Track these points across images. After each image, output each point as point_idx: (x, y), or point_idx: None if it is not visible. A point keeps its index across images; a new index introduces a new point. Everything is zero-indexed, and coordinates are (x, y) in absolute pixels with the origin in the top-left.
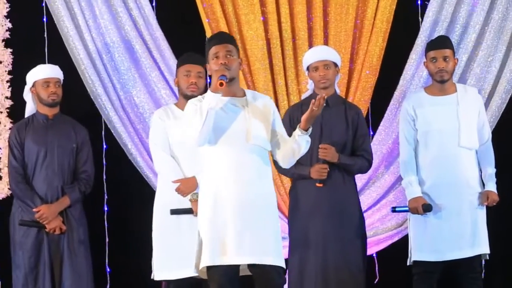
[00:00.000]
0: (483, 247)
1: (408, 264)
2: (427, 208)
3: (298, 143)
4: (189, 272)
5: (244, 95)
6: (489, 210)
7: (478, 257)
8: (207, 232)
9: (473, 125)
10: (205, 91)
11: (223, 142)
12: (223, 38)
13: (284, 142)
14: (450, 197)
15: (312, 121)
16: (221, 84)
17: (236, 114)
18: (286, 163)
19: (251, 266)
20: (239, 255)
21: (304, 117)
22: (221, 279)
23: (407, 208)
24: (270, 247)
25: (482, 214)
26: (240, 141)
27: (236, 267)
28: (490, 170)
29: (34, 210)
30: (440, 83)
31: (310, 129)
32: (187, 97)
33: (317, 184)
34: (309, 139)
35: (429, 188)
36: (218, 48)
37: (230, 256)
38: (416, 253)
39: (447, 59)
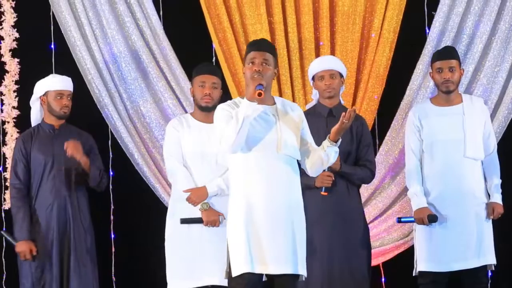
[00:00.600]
0: (489, 258)
1: (413, 274)
2: (432, 218)
3: (327, 154)
4: (201, 281)
5: (274, 103)
6: (496, 220)
7: (484, 267)
8: (240, 239)
9: (478, 136)
10: (219, 101)
11: (255, 151)
12: (263, 45)
13: (313, 151)
14: (456, 207)
15: (341, 133)
16: (259, 94)
17: (267, 123)
18: (313, 172)
19: (276, 275)
20: (274, 264)
21: (334, 129)
22: (246, 287)
23: (412, 219)
24: (300, 256)
25: (488, 224)
26: (271, 151)
27: (260, 276)
28: (496, 181)
29: (15, 244)
30: (446, 93)
31: (340, 141)
32: (202, 108)
33: (322, 193)
34: (338, 150)
35: (435, 199)
36: (255, 55)
37: (267, 265)
38: (422, 264)
39: (453, 70)
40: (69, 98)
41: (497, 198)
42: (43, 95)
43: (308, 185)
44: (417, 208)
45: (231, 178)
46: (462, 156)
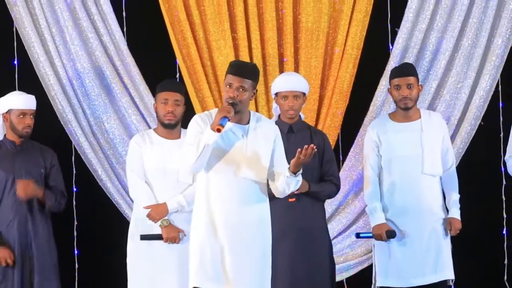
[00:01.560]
0: (447, 273)
1: None
2: (390, 234)
3: (288, 183)
4: None
5: (249, 122)
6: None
7: (444, 282)
8: (198, 254)
9: (436, 152)
10: (183, 118)
11: (216, 170)
12: (242, 71)
13: (278, 175)
14: (414, 223)
15: (300, 167)
16: (218, 130)
17: (233, 143)
18: (277, 195)
19: None
20: (227, 282)
21: (292, 162)
22: None
23: (371, 234)
24: (257, 276)
25: (446, 240)
26: (231, 173)
27: None
28: (454, 196)
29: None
30: (404, 110)
31: (300, 171)
32: (164, 125)
33: (290, 199)
34: (300, 179)
35: (393, 215)
36: (233, 80)
37: (221, 282)
38: (381, 279)
39: (411, 87)
40: (31, 117)
41: (455, 213)
42: (6, 112)
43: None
44: (376, 224)
45: (197, 194)
46: (420, 172)
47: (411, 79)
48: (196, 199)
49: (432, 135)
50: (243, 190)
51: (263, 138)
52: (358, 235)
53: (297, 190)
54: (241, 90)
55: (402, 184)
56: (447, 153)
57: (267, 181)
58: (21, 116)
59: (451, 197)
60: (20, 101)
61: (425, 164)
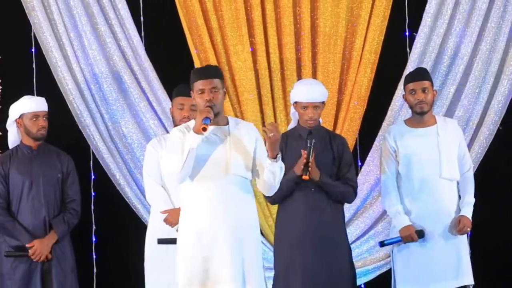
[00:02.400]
0: (467, 278)
1: None
2: (420, 234)
3: (272, 171)
4: None
5: (227, 123)
6: (474, 240)
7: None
8: (188, 268)
9: (453, 156)
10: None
11: (202, 176)
12: (209, 73)
13: (262, 170)
14: (433, 228)
15: (276, 148)
16: (204, 129)
17: (216, 145)
18: (267, 191)
19: None
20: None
21: (267, 147)
22: None
23: (398, 238)
24: (252, 277)
25: (465, 245)
26: (220, 173)
27: None
28: (468, 199)
29: (27, 246)
30: (419, 115)
31: (279, 155)
32: None
33: (304, 177)
34: (282, 165)
35: (411, 220)
36: (203, 84)
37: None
38: (401, 285)
39: (426, 91)
40: (44, 119)
41: (467, 212)
42: (19, 117)
43: (290, 179)
44: (403, 227)
45: (181, 204)
46: (438, 176)
47: (426, 83)
48: (183, 211)
49: (449, 140)
50: (233, 188)
51: (245, 136)
52: (382, 244)
53: (308, 174)
54: (214, 91)
55: (421, 189)
56: (464, 158)
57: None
58: (34, 119)
59: (464, 199)
60: (31, 104)
61: (443, 169)
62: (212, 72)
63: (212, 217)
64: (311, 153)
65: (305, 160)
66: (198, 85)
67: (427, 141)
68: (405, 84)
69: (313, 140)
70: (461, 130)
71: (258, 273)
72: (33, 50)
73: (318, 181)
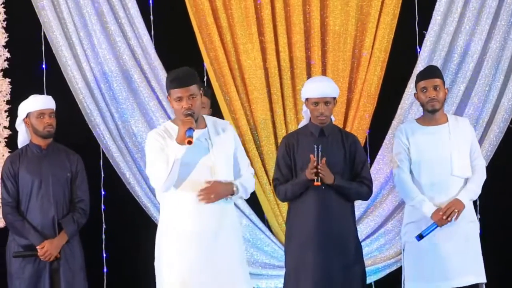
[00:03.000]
0: (478, 276)
1: None
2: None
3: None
4: None
5: (206, 125)
6: (487, 238)
7: (474, 286)
8: (171, 272)
9: (465, 154)
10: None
11: (188, 184)
12: (186, 81)
13: (239, 173)
14: (444, 226)
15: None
16: (189, 142)
17: (199, 151)
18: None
19: None
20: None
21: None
22: None
23: (434, 225)
24: (238, 276)
25: (476, 243)
26: (207, 176)
27: None
28: (469, 186)
29: (37, 247)
30: (431, 112)
31: (235, 191)
32: None
33: (315, 183)
34: (242, 192)
35: (424, 217)
36: (181, 92)
37: None
38: (410, 283)
39: (438, 89)
40: (51, 116)
41: (461, 195)
42: (26, 117)
43: (301, 182)
44: (433, 212)
45: (163, 211)
46: (450, 174)
47: (437, 81)
48: (164, 218)
49: (460, 138)
50: None
51: (224, 136)
52: (420, 237)
53: (323, 180)
54: (191, 98)
55: (432, 187)
56: (475, 154)
57: None
58: (40, 117)
59: (466, 186)
60: (37, 102)
61: (454, 166)
62: (188, 79)
63: (197, 222)
64: (319, 159)
65: (315, 165)
66: (176, 93)
67: (438, 138)
68: (416, 82)
69: (320, 145)
70: (472, 128)
71: (243, 272)
72: (43, 49)
73: (333, 185)
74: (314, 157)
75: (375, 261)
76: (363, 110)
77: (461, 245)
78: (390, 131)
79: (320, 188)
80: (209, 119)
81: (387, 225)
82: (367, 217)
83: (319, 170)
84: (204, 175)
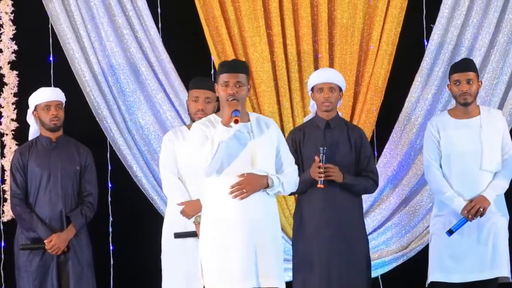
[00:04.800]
0: (503, 270)
1: (426, 285)
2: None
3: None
4: None
5: (249, 119)
6: None
7: (496, 279)
8: (210, 260)
9: (496, 148)
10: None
11: (229, 171)
12: (235, 67)
13: (281, 168)
14: (474, 219)
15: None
16: (236, 121)
17: (242, 141)
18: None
19: None
20: (241, 280)
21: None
22: None
23: (464, 220)
24: (272, 270)
25: (504, 237)
26: (246, 168)
27: None
28: (496, 182)
29: (45, 241)
30: (463, 105)
31: (270, 184)
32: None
33: (318, 185)
34: (276, 189)
35: (452, 211)
36: (229, 77)
37: (233, 282)
38: (435, 274)
39: (471, 82)
40: (58, 108)
41: (487, 192)
42: (34, 110)
43: (306, 180)
44: (463, 207)
45: (205, 199)
46: (479, 168)
47: (471, 75)
48: (206, 204)
49: (492, 132)
50: None
51: (267, 132)
52: (451, 232)
53: (333, 177)
54: (238, 86)
55: (461, 180)
56: (506, 147)
57: None
58: (46, 109)
59: (494, 180)
60: (43, 94)
61: (484, 161)
62: (238, 66)
63: (236, 211)
64: (323, 161)
65: (319, 167)
66: (224, 77)
67: (469, 132)
68: (450, 74)
69: (325, 148)
70: (505, 120)
71: (278, 267)
72: (50, 42)
73: (342, 183)
74: (319, 158)
75: (382, 254)
76: (370, 104)
77: (488, 238)
78: (397, 125)
79: (327, 180)
80: (253, 115)
81: (394, 219)
82: (374, 211)
83: (328, 172)
84: (245, 166)
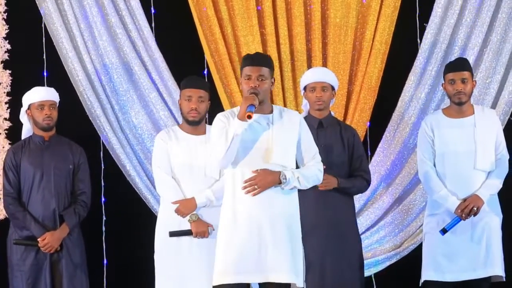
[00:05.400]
0: (496, 269)
1: (420, 284)
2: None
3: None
4: None
5: (272, 111)
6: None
7: (489, 278)
8: (220, 251)
9: (489, 147)
10: (210, 113)
11: (244, 163)
12: (258, 60)
13: (302, 162)
14: (468, 218)
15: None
16: (249, 117)
17: (259, 133)
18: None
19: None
20: (247, 273)
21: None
22: None
23: (457, 219)
24: (283, 265)
25: (497, 236)
26: (261, 161)
27: (244, 285)
28: (489, 181)
29: (39, 239)
30: (457, 105)
31: (284, 179)
32: (188, 122)
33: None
34: (296, 179)
35: (445, 210)
36: (251, 70)
37: (238, 274)
38: (428, 273)
39: (465, 81)
40: (52, 108)
41: (480, 192)
42: (28, 108)
43: None
44: (456, 206)
45: (225, 190)
46: (472, 168)
47: (466, 74)
48: (224, 196)
49: (485, 131)
50: None
51: (288, 124)
52: (444, 231)
53: (326, 186)
54: (260, 79)
55: (455, 179)
56: (500, 148)
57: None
58: (40, 109)
59: (486, 180)
60: (37, 94)
61: (478, 160)
62: (261, 60)
63: (249, 204)
64: None
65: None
66: (246, 71)
67: (463, 131)
68: (445, 73)
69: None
70: (499, 120)
71: (292, 262)
72: (43, 40)
73: (337, 188)
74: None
75: (375, 253)
76: (364, 103)
77: (481, 237)
78: (390, 124)
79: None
80: (277, 107)
81: (387, 218)
82: (367, 210)
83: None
84: (260, 157)
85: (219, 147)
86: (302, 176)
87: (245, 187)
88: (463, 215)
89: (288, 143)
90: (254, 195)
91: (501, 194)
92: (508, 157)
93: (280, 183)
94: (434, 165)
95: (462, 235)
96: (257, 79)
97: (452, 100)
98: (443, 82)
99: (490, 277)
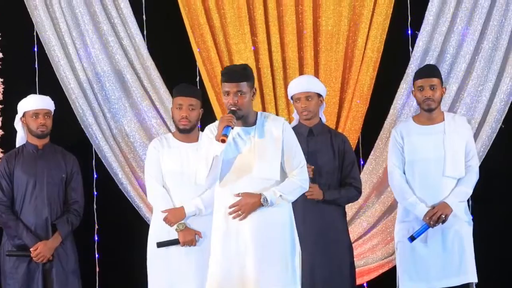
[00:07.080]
0: (470, 276)
1: None
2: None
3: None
4: None
5: (255, 122)
6: (479, 238)
7: (466, 285)
8: (213, 266)
9: (459, 154)
10: (202, 120)
11: (228, 181)
12: (234, 76)
13: (287, 170)
14: (437, 226)
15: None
16: (222, 141)
17: (241, 148)
18: None
19: None
20: (245, 284)
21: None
22: None
23: (425, 226)
24: (273, 278)
25: (469, 242)
26: (245, 177)
27: None
28: (459, 188)
29: (31, 249)
30: (427, 111)
31: (265, 201)
32: (180, 130)
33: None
34: (281, 197)
35: (416, 217)
36: (229, 87)
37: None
38: (404, 282)
39: (434, 88)
40: (46, 117)
41: (449, 199)
42: (22, 116)
43: None
44: (425, 214)
45: (215, 201)
46: (442, 175)
47: (435, 81)
48: (215, 206)
49: (455, 138)
50: (257, 191)
51: (269, 134)
52: (412, 238)
53: (311, 196)
54: (239, 94)
55: (424, 187)
56: (470, 155)
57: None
58: (34, 117)
59: (455, 187)
60: (32, 102)
61: (447, 167)
62: (238, 75)
63: (239, 222)
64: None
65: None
66: (224, 86)
67: (433, 138)
68: (414, 80)
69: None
70: (470, 127)
71: (285, 274)
72: (35, 49)
73: (322, 200)
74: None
75: (368, 261)
76: (356, 111)
77: (453, 244)
78: (382, 132)
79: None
80: (261, 116)
81: (380, 225)
82: (359, 217)
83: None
84: (243, 172)
85: (202, 169)
86: (285, 193)
87: (230, 213)
88: (431, 222)
89: (271, 155)
90: (241, 219)
91: (472, 200)
92: (478, 164)
93: (262, 205)
94: (404, 173)
95: (434, 243)
96: (235, 95)
97: (422, 107)
98: (413, 89)
99: (467, 284)
